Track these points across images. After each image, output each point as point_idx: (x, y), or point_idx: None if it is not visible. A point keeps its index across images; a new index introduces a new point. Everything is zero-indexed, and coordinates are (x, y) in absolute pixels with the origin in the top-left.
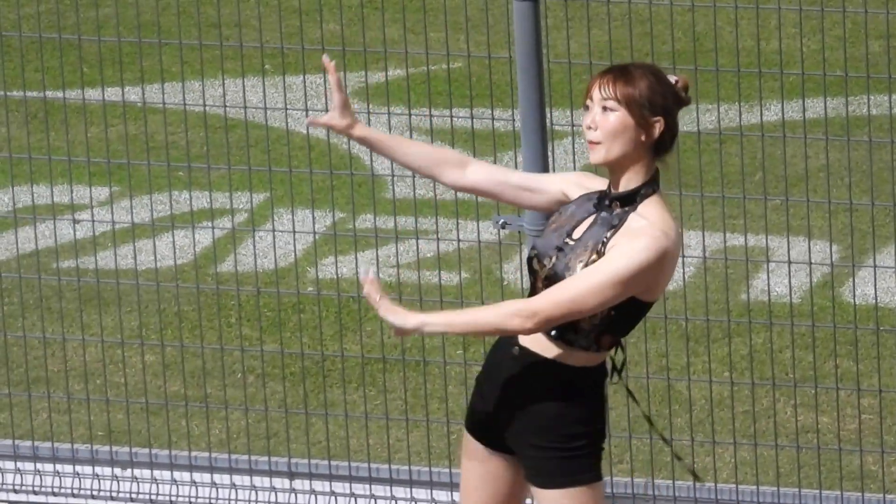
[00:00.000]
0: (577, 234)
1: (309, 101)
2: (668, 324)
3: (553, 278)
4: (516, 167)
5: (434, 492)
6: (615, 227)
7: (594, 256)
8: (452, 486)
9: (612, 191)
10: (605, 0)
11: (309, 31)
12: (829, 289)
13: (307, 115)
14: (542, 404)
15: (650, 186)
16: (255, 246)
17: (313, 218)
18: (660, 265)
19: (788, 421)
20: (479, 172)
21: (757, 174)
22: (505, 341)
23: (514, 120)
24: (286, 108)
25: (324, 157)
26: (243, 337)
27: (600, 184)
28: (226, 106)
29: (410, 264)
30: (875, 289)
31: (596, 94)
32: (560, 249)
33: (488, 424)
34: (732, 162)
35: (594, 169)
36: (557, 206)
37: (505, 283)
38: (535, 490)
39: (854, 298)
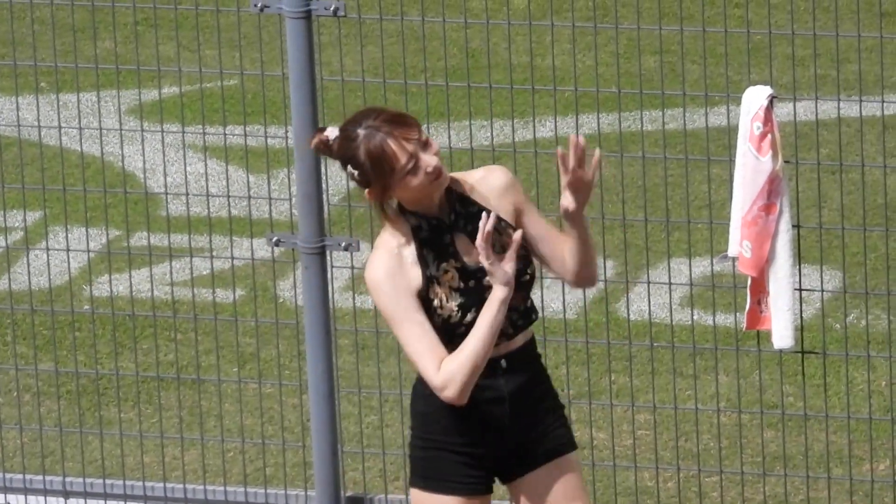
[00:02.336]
0: (472, 260)
1: (84, 118)
2: None
3: (523, 284)
4: (290, 184)
5: None
6: (473, 215)
7: (509, 229)
8: (227, 503)
9: (440, 211)
10: (377, 17)
11: (84, 49)
12: (603, 304)
13: (81, 133)
14: (546, 381)
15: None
16: (29, 264)
17: (87, 236)
18: None
19: None
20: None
21: (531, 190)
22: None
23: (287, 137)
24: (60, 127)
25: (98, 176)
26: (18, 355)
27: (394, 242)
28: None
29: (185, 282)
30: (649, 304)
31: (411, 146)
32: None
33: (500, 454)
34: None
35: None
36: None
37: (280, 300)
38: (563, 461)
39: (629, 314)
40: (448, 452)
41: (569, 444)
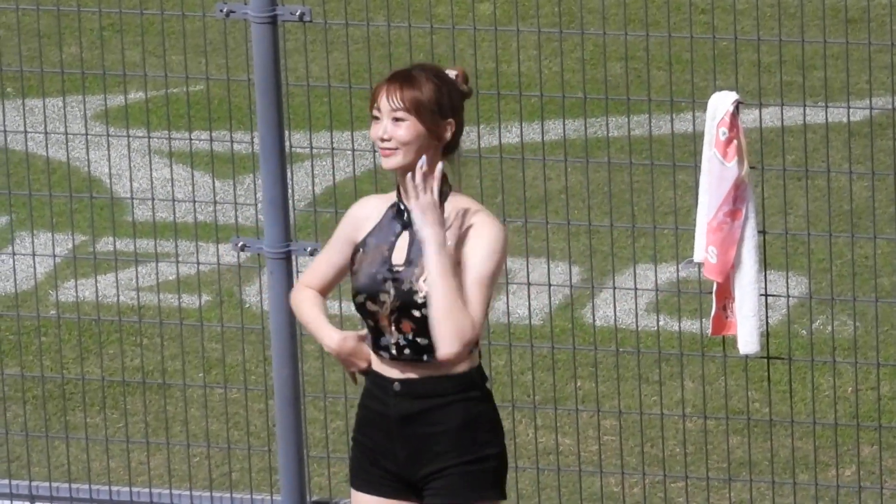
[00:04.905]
0: (398, 258)
1: (50, 123)
2: None
3: (404, 307)
4: (255, 190)
5: None
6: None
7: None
8: None
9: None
10: (343, 23)
11: (49, 54)
12: (569, 310)
13: (47, 138)
14: (452, 430)
15: (446, 184)
16: None
17: (53, 241)
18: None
19: (529, 443)
20: (316, 288)
21: (497, 196)
22: (378, 386)
23: (253, 142)
24: (26, 132)
25: (64, 181)
26: None
27: (380, 202)
28: None
29: (151, 287)
30: (615, 310)
31: (384, 104)
32: (394, 280)
33: (397, 469)
34: (472, 184)
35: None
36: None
37: (246, 305)
38: None
39: (594, 320)
40: (361, 451)
41: (449, 495)
